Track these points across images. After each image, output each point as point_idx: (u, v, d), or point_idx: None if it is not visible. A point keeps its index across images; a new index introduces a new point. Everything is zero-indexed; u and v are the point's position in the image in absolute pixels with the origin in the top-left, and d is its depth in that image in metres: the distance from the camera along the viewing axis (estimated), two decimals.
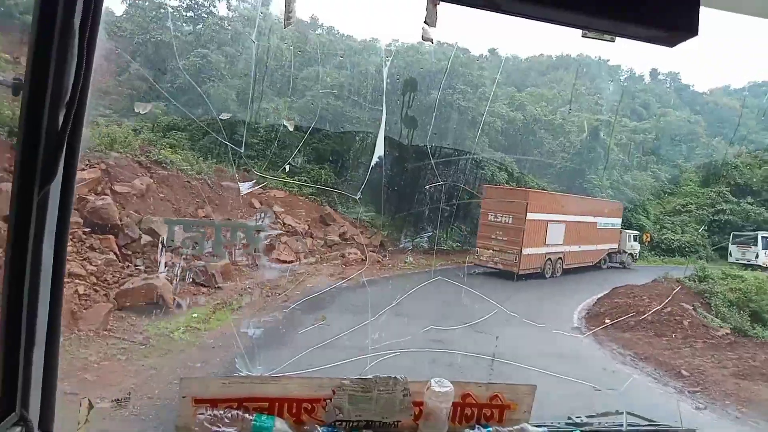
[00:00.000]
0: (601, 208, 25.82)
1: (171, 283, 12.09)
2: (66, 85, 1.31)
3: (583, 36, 1.49)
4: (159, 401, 7.31)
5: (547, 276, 21.96)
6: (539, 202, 22.25)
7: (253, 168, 16.55)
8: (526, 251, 21.07)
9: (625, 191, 30.65)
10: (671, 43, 1.45)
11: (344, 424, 1.94)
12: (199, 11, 25.35)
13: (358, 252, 18.87)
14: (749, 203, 30.71)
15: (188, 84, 19.43)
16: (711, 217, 30.74)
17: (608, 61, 46.42)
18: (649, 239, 28.34)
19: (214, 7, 25.28)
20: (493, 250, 21.27)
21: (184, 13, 25.14)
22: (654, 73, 49.76)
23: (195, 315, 11.44)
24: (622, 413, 2.16)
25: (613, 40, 1.52)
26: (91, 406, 1.80)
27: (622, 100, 39.17)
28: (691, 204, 32.17)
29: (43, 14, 1.28)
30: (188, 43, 22.96)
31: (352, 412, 1.94)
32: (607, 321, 14.62)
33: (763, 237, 25.89)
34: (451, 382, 1.94)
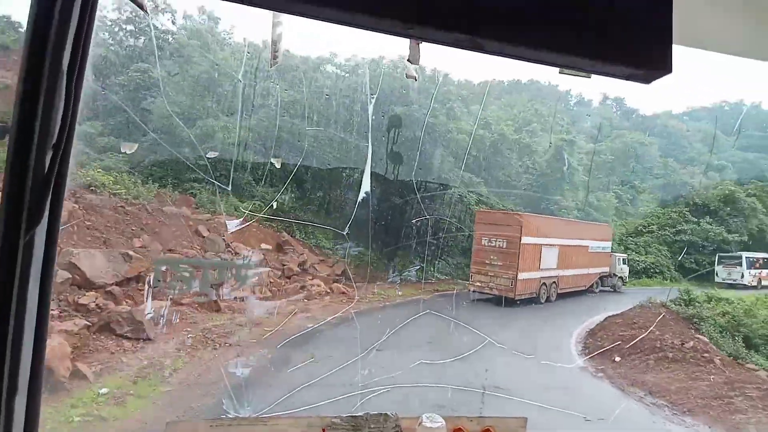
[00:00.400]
0: (592, 231, 25.87)
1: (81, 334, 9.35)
2: (53, 127, 1.32)
3: (560, 72, 1.54)
4: None
5: (542, 301, 21.71)
6: (533, 225, 22.09)
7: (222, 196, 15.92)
8: (521, 276, 20.85)
9: (590, 212, 31.18)
10: (647, 80, 1.50)
11: None
12: (141, 24, 22.26)
13: (322, 283, 18.12)
14: (708, 223, 31.35)
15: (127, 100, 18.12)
16: (672, 237, 31.40)
17: (557, 86, 49.22)
18: None
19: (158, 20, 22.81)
20: (488, 275, 20.96)
21: (124, 26, 22.67)
22: (604, 97, 52.39)
23: (104, 391, 8.32)
24: None
25: (589, 77, 1.57)
26: None
27: (574, 122, 41.18)
28: (653, 224, 32.75)
29: (32, 54, 1.29)
30: (127, 57, 21.30)
31: None
32: (617, 358, 13.63)
33: (747, 258, 27.46)
34: (442, 417, 1.92)
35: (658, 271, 29.76)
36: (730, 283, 26.26)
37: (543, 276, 21.90)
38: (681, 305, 17.67)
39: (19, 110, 1.29)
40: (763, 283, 26.44)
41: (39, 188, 1.31)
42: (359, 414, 1.93)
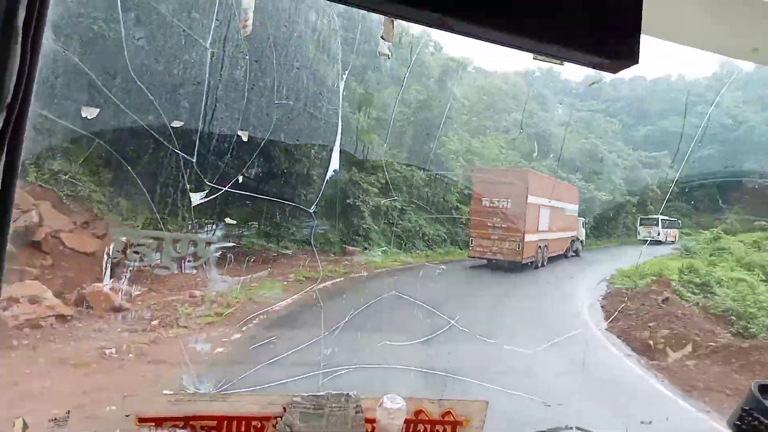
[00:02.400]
0: (567, 192, 25.00)
1: None
2: (6, 87, 1.25)
3: (534, 58, 1.54)
4: None
5: (539, 266, 20.89)
6: (537, 184, 20.91)
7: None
8: (527, 238, 19.66)
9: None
10: (614, 69, 1.52)
11: None
12: None
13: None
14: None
15: None
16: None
17: None
18: None
19: None
20: (491, 239, 19.53)
21: None
22: None
23: None
24: (572, 428, 2.20)
25: (562, 64, 1.58)
26: (25, 426, 1.70)
27: None
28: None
29: None
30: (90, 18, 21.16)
31: (303, 429, 1.90)
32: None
33: (661, 219, 33.32)
34: (404, 399, 1.94)
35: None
36: (649, 240, 31.20)
37: (539, 239, 20.92)
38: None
39: None
40: (669, 239, 32.61)
41: None
42: (321, 393, 1.92)
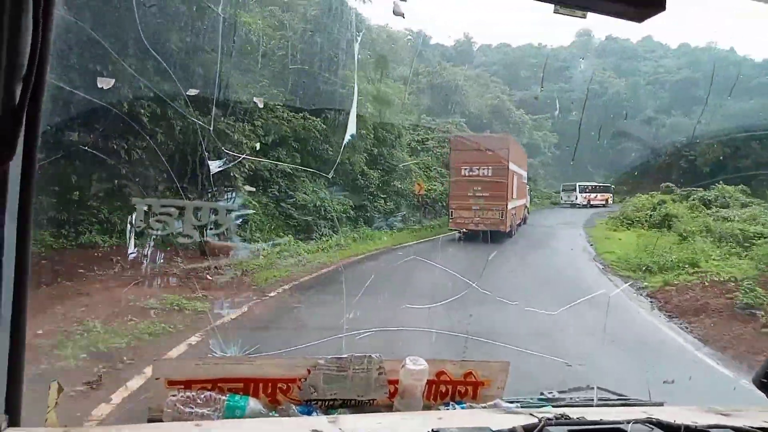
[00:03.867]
0: (521, 156, 23.69)
1: None
2: (21, 59, 1.25)
3: (555, 12, 1.49)
4: None
5: (512, 235, 19.98)
6: (515, 150, 20.25)
7: None
8: (509, 206, 19.05)
9: None
10: (640, 18, 1.46)
11: (319, 403, 1.95)
12: None
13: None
14: None
15: None
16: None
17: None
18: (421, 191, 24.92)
19: None
20: (472, 210, 18.65)
21: None
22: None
23: None
24: (593, 388, 2.21)
25: (584, 16, 1.52)
26: (60, 389, 1.76)
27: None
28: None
29: None
30: None
31: (328, 391, 1.94)
32: None
33: (579, 185, 37.38)
34: (426, 360, 1.96)
35: None
36: (569, 204, 37.08)
37: (512, 207, 20.22)
38: None
39: None
40: (593, 203, 36.52)
41: (9, 121, 1.25)
42: (344, 356, 1.95)
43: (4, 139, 1.25)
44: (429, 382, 2.01)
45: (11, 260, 1.38)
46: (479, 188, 18.68)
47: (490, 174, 18.74)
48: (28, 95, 1.27)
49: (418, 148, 29.01)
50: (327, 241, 17.88)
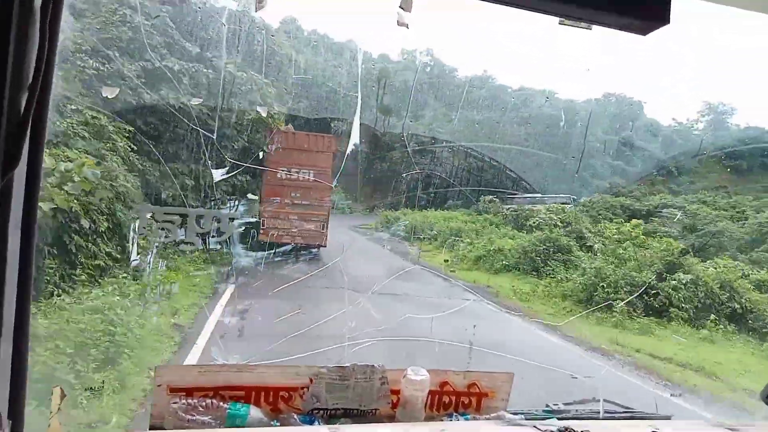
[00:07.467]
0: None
1: None
2: (27, 68, 1.26)
3: (560, 23, 1.50)
4: None
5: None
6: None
7: None
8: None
9: None
10: (644, 31, 1.48)
11: (322, 412, 1.94)
12: None
13: None
14: None
15: None
16: None
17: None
18: None
19: None
20: (289, 219, 15.28)
21: None
22: None
23: None
24: (599, 401, 2.20)
25: (589, 28, 1.53)
26: (63, 395, 1.76)
27: None
28: None
29: None
30: None
31: (330, 400, 1.94)
32: None
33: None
34: (428, 371, 1.95)
35: None
36: None
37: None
38: None
39: None
40: None
41: (14, 131, 1.26)
42: (346, 365, 1.95)
43: (9, 149, 1.26)
44: (432, 393, 2.01)
45: (15, 269, 1.38)
46: (298, 194, 15.63)
47: (311, 177, 15.61)
48: (33, 105, 1.28)
49: None
50: None
